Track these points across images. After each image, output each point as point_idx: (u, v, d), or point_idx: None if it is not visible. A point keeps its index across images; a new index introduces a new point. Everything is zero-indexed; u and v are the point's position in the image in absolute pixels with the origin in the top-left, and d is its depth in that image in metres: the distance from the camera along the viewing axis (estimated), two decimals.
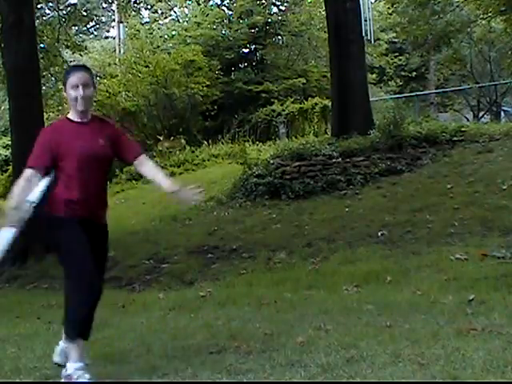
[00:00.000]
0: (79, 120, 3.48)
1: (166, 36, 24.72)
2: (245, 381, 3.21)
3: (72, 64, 3.94)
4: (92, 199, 3.45)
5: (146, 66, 19.99)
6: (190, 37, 23.05)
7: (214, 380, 3.26)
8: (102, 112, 20.12)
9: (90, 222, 3.46)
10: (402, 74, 27.51)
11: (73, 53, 17.64)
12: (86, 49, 16.77)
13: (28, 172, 3.36)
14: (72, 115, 3.50)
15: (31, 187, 3.33)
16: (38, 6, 14.81)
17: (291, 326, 4.35)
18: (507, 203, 7.61)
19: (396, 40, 24.99)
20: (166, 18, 27.73)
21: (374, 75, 23.81)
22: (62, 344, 3.53)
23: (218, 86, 21.16)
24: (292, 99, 20.32)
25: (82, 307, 3.35)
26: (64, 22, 15.05)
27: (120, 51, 25.75)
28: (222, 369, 3.40)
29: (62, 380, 3.31)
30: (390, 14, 22.56)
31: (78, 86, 3.40)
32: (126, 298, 6.44)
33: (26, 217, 3.28)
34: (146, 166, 3.59)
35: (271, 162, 10.52)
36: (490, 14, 17.60)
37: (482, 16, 18.21)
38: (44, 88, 14.17)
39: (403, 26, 18.85)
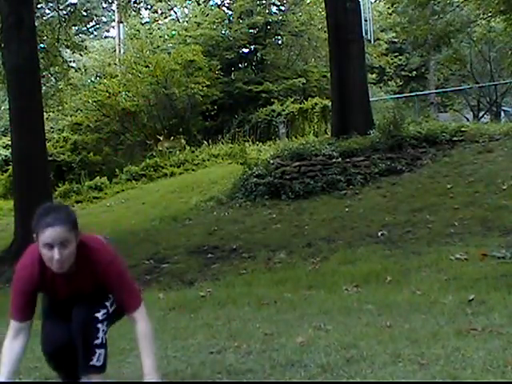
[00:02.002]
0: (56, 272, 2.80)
1: (166, 36, 24.75)
2: (245, 381, 3.21)
3: (45, 206, 2.76)
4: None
5: (146, 66, 20.02)
6: (190, 37, 23.07)
7: (214, 380, 3.26)
8: (102, 112, 20.18)
9: None
10: (402, 73, 27.53)
11: (73, 53, 17.67)
12: (85, 49, 16.80)
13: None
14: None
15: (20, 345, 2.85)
16: (38, 6, 14.82)
17: (291, 325, 4.35)
18: (507, 203, 7.62)
19: (396, 40, 24.98)
20: (165, 17, 27.75)
21: (374, 75, 23.83)
22: None
23: (217, 86, 21.19)
24: (292, 99, 20.34)
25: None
26: (64, 21, 15.07)
27: (120, 51, 25.77)
28: (222, 369, 3.40)
29: None
30: (390, 14, 22.58)
31: (51, 246, 2.68)
32: None
33: None
34: (137, 329, 2.95)
35: (271, 161, 10.52)
36: (490, 14, 17.60)
37: (482, 16, 18.21)
38: (44, 88, 14.18)
39: (403, 26, 18.84)
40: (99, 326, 2.87)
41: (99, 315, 2.88)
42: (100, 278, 2.86)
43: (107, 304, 2.95)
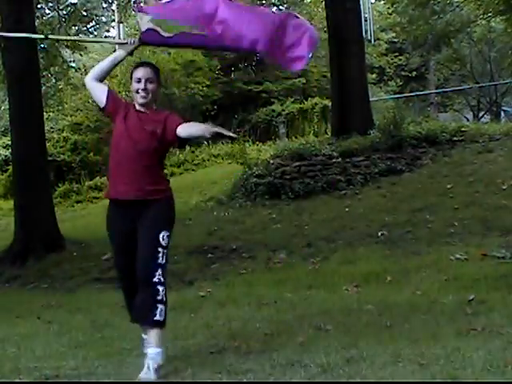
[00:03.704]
0: (137, 108, 3.65)
1: None
2: (245, 381, 3.21)
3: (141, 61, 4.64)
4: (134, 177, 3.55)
5: None
6: None
7: (214, 380, 3.26)
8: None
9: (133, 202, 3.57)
10: (402, 73, 27.49)
11: (73, 53, 17.63)
12: (85, 49, 16.77)
13: None
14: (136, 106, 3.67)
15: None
16: (38, 6, 14.80)
17: (291, 326, 4.35)
18: (507, 203, 7.62)
19: (396, 40, 24.96)
20: None
21: (374, 75, 23.80)
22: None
23: (218, 86, 21.17)
24: (292, 99, 20.32)
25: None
26: (64, 21, 15.05)
27: None
28: (222, 369, 3.40)
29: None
30: (390, 14, 22.54)
31: (140, 80, 3.58)
32: None
33: None
34: (184, 127, 3.54)
35: (271, 162, 10.51)
36: (490, 14, 17.56)
37: (482, 16, 18.18)
38: (44, 88, 14.17)
39: (403, 26, 18.81)
40: (159, 287, 3.38)
41: (159, 274, 3.39)
42: (163, 122, 3.57)
43: (163, 255, 3.45)
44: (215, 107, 20.68)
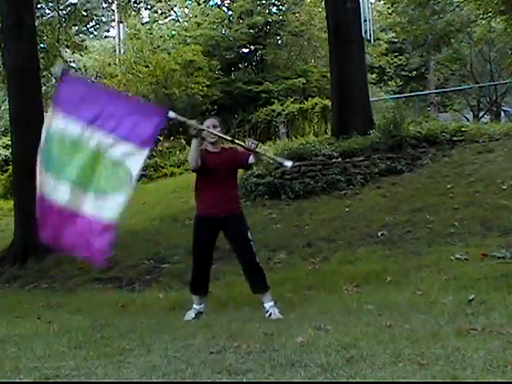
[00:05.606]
0: (211, 150, 5.18)
1: (166, 36, 24.72)
2: (245, 381, 3.21)
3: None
4: (219, 200, 5.07)
5: (146, 66, 19.99)
6: (189, 37, 23.04)
7: (214, 380, 3.25)
8: None
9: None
10: (402, 73, 27.50)
11: (73, 53, 17.64)
12: (85, 49, 16.77)
13: None
14: (207, 147, 5.20)
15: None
16: (38, 6, 14.80)
17: (291, 326, 4.35)
18: (507, 203, 7.62)
19: (396, 40, 24.96)
20: (166, 17, 27.72)
21: (374, 75, 23.80)
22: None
23: (217, 85, 21.17)
24: (292, 99, 20.32)
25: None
26: (64, 21, 15.05)
27: (120, 51, 25.74)
28: (222, 369, 3.39)
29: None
30: (390, 14, 22.54)
31: (208, 127, 5.06)
32: (126, 298, 6.45)
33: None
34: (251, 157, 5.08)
35: None
36: (490, 14, 17.55)
37: (481, 16, 18.17)
38: (44, 88, 14.17)
39: (403, 26, 18.80)
40: (260, 266, 5.19)
41: (257, 258, 5.20)
42: (234, 154, 5.22)
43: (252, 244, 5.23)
44: (215, 107, 20.67)
